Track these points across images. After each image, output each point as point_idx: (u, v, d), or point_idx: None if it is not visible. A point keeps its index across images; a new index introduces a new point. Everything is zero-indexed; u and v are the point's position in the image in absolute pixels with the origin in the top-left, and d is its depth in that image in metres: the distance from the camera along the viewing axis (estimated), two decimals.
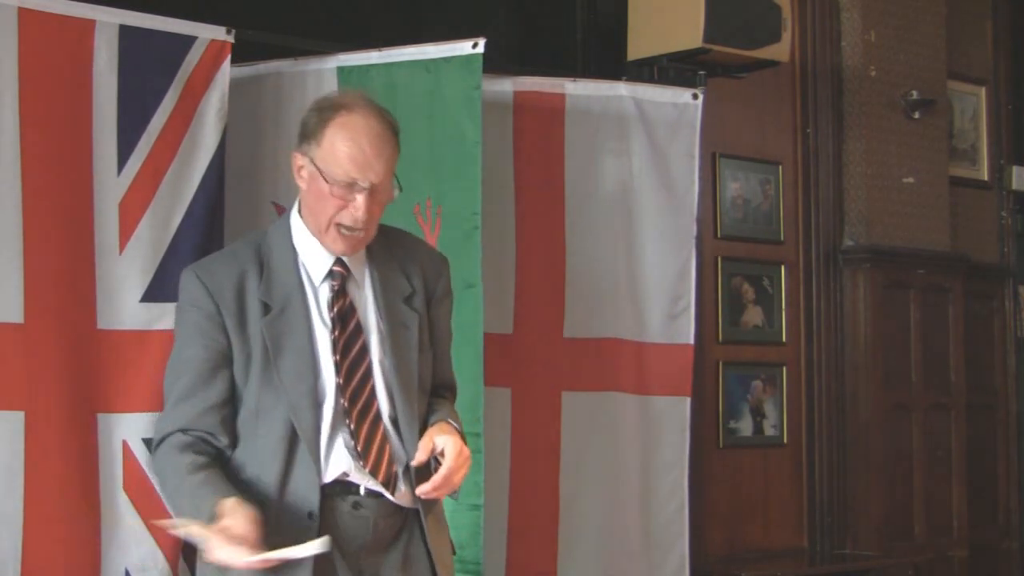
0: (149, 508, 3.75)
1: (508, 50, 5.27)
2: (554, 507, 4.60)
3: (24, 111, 3.64)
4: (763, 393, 6.00)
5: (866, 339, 6.12)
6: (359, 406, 2.92)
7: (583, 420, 4.66)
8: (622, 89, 4.76)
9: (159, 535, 3.77)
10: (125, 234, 3.78)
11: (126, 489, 3.74)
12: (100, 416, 3.72)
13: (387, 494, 2.92)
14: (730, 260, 5.92)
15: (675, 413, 4.78)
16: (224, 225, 3.98)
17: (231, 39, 3.97)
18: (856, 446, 6.11)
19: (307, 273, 3.00)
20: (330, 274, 3.00)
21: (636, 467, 4.71)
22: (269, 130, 4.26)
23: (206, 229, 3.90)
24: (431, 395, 3.11)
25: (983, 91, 6.99)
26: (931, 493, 6.29)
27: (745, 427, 5.95)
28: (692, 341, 4.80)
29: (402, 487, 2.96)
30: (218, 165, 3.93)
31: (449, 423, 3.02)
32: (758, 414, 5.98)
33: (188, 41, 3.91)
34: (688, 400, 4.80)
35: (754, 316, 6.00)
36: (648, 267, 4.78)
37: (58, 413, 3.64)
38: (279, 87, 4.27)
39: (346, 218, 2.92)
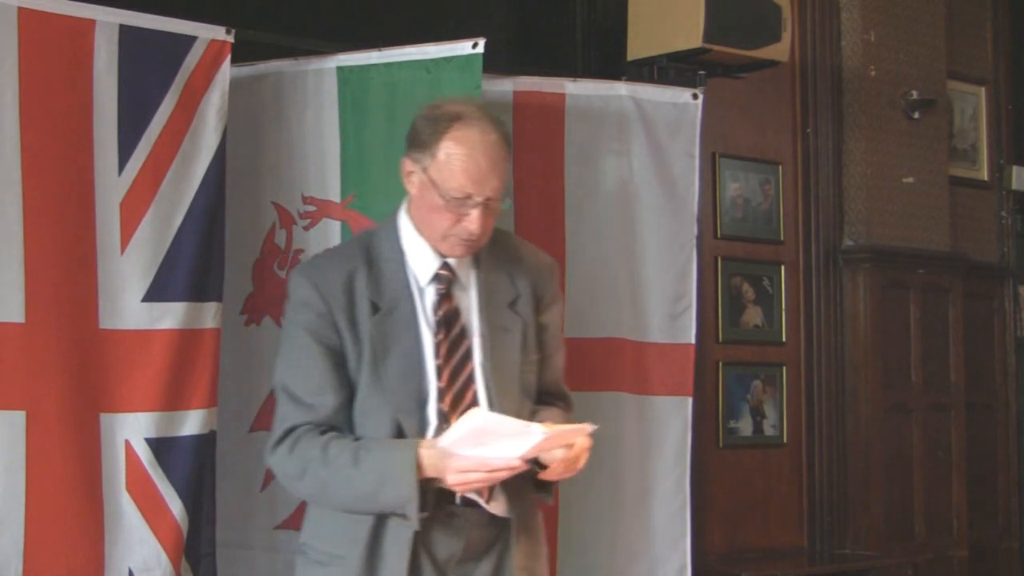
0: (151, 508, 3.75)
1: (508, 50, 5.27)
2: (554, 508, 4.60)
3: (24, 111, 3.63)
4: (763, 393, 6.00)
5: (866, 339, 6.12)
6: (459, 410, 2.90)
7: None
8: (622, 89, 4.76)
9: (162, 535, 3.77)
10: (126, 234, 3.78)
11: (128, 489, 3.74)
12: (102, 416, 3.72)
13: (481, 502, 2.91)
14: (730, 260, 5.92)
15: (676, 413, 4.77)
16: (225, 225, 3.98)
17: (231, 39, 3.97)
18: (856, 446, 6.12)
19: (414, 276, 2.99)
20: (436, 277, 2.99)
21: (637, 467, 4.70)
22: (269, 130, 4.25)
23: (207, 229, 3.90)
24: (539, 403, 3.10)
25: (983, 91, 6.99)
26: (931, 493, 6.29)
27: (745, 427, 5.95)
28: (693, 341, 4.80)
29: (499, 496, 2.94)
30: (219, 165, 3.93)
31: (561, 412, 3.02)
32: (758, 414, 5.98)
33: (188, 41, 3.90)
34: (690, 400, 4.79)
35: (754, 316, 6.00)
36: (648, 267, 4.77)
37: (60, 413, 3.64)
38: (279, 87, 4.27)
39: (461, 232, 2.90)
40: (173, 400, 3.79)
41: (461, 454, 2.73)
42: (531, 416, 3.00)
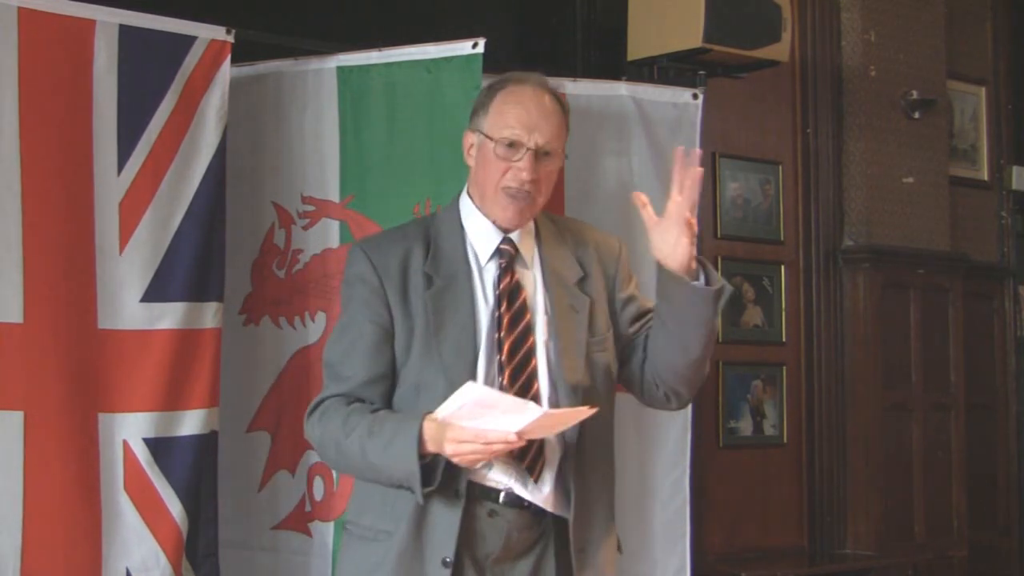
0: (150, 508, 3.76)
1: (508, 50, 5.27)
2: None
3: (24, 111, 3.64)
4: (763, 393, 6.00)
5: (866, 339, 6.12)
6: (517, 386, 2.90)
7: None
8: (622, 89, 4.76)
9: (161, 535, 3.77)
10: (125, 234, 3.78)
11: (127, 489, 3.74)
12: (101, 416, 3.72)
13: (525, 493, 2.88)
14: (730, 260, 5.91)
15: (676, 413, 4.75)
16: (225, 225, 3.98)
17: (231, 39, 3.97)
18: (856, 446, 6.11)
19: (474, 252, 3.01)
20: (498, 252, 3.01)
21: (636, 467, 4.70)
22: (269, 130, 4.26)
23: (206, 229, 3.90)
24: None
25: (983, 91, 6.99)
26: (931, 493, 6.28)
27: (745, 427, 5.95)
28: None
29: (547, 484, 2.92)
30: (218, 165, 3.93)
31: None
32: (758, 414, 5.98)
33: (188, 41, 3.90)
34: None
35: (754, 316, 6.00)
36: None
37: (58, 413, 3.64)
38: (279, 87, 4.27)
39: (511, 180, 2.94)
40: (172, 400, 3.80)
41: (459, 425, 2.73)
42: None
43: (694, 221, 2.91)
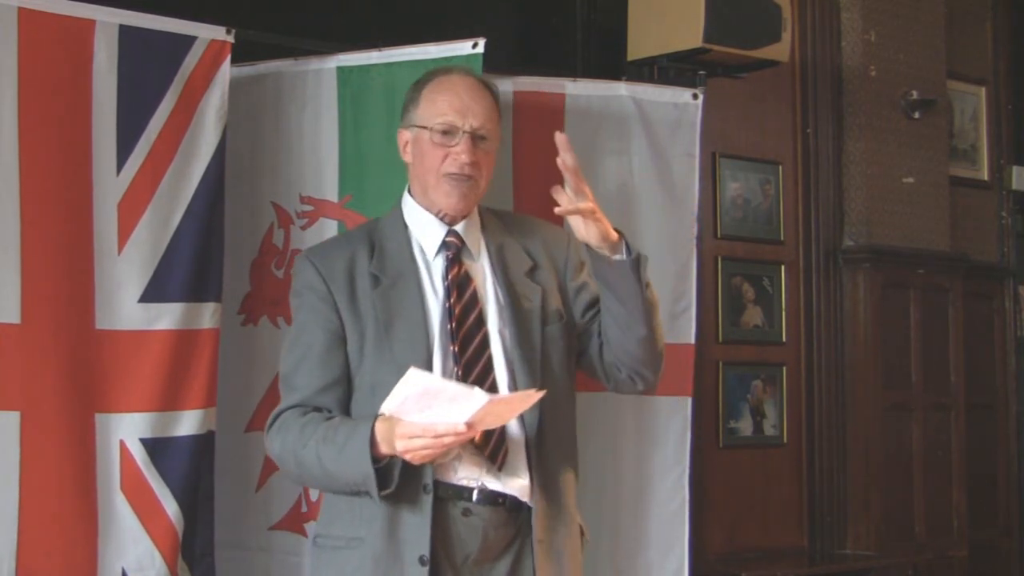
0: (146, 508, 3.75)
1: (508, 50, 5.26)
2: None
3: (23, 111, 3.64)
4: (763, 393, 6.00)
5: (866, 339, 6.12)
6: (474, 376, 2.91)
7: (582, 420, 4.63)
8: (622, 89, 4.76)
9: (157, 535, 3.77)
10: (124, 234, 3.78)
11: (123, 489, 3.74)
12: (98, 416, 3.71)
13: (497, 485, 2.87)
14: (730, 260, 5.92)
15: (676, 413, 4.76)
16: (224, 225, 3.98)
17: (231, 39, 3.97)
18: (856, 446, 6.12)
19: (421, 248, 3.03)
20: (444, 245, 3.02)
21: (636, 467, 4.70)
22: (269, 130, 4.25)
23: (206, 230, 3.89)
24: None
25: (983, 91, 6.99)
26: (931, 493, 6.29)
27: (745, 427, 5.95)
28: (693, 341, 4.80)
29: (518, 474, 2.92)
30: (218, 165, 3.93)
31: None
32: (758, 414, 5.98)
33: (188, 41, 3.90)
34: (689, 400, 4.78)
35: (754, 316, 6.00)
36: (649, 267, 4.76)
37: (55, 413, 3.64)
38: (279, 87, 4.27)
39: (451, 166, 2.97)
40: (169, 400, 3.79)
41: (407, 420, 2.72)
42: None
43: (589, 202, 2.92)
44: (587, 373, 3.24)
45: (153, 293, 3.80)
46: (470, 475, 2.90)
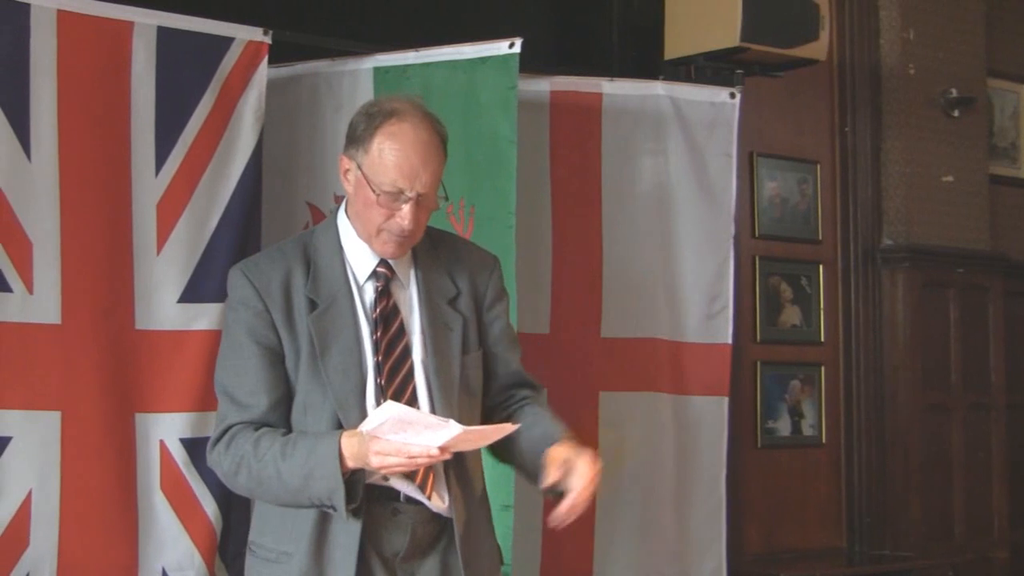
0: (185, 508, 3.77)
1: (544, 50, 5.26)
2: (590, 507, 4.58)
3: (63, 113, 3.66)
4: (801, 393, 5.98)
5: (905, 339, 6.09)
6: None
7: (620, 420, 4.65)
8: (659, 88, 4.75)
9: (196, 535, 3.79)
10: (163, 235, 3.80)
11: (163, 489, 3.76)
12: (137, 416, 3.74)
13: (422, 498, 2.92)
14: (767, 260, 5.90)
15: (713, 413, 4.76)
16: (261, 226, 3.99)
17: (268, 40, 3.98)
18: (895, 446, 6.08)
19: (352, 272, 3.00)
20: (374, 274, 3.00)
21: (673, 467, 4.70)
22: (305, 131, 4.27)
23: (243, 230, 3.91)
24: (508, 399, 3.11)
25: (1023, 89, 6.94)
26: (971, 493, 6.25)
27: (783, 427, 5.93)
28: (730, 341, 4.79)
29: (442, 493, 2.94)
30: (255, 166, 3.95)
31: (567, 441, 2.97)
32: (796, 414, 5.96)
33: (225, 42, 3.92)
34: (726, 400, 4.78)
35: (792, 316, 5.98)
36: (685, 267, 4.77)
37: (95, 413, 3.66)
38: (316, 88, 4.28)
39: (393, 227, 2.92)
40: (208, 400, 3.78)
41: (383, 438, 2.74)
42: (513, 416, 3.03)
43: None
44: None
45: (192, 293, 3.82)
46: (398, 484, 2.92)
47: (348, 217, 3.04)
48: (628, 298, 4.68)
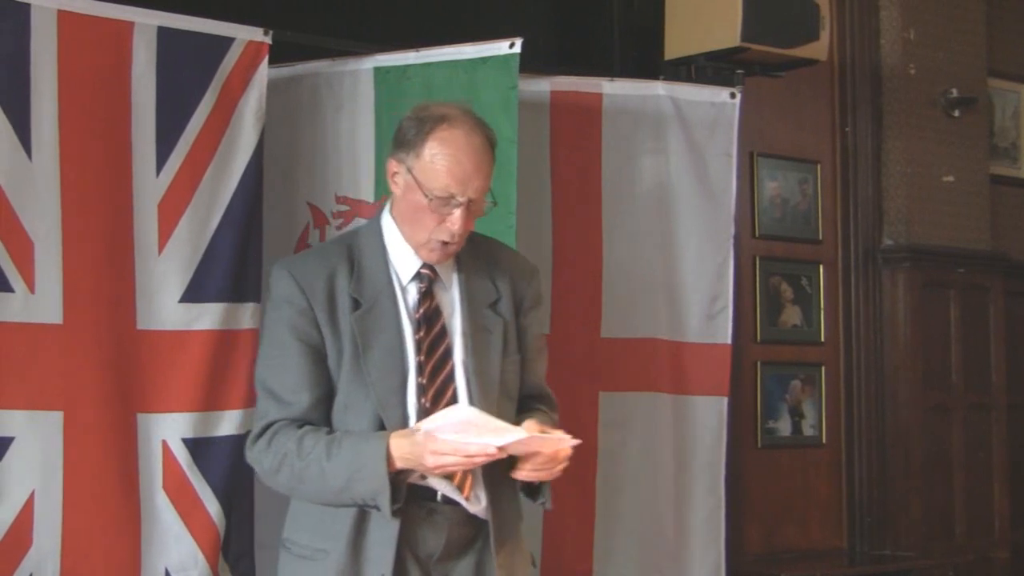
0: (188, 508, 3.77)
1: (545, 50, 5.26)
2: (591, 507, 4.60)
3: (63, 113, 3.65)
4: (801, 393, 5.98)
5: (905, 339, 6.09)
6: (440, 407, 2.92)
7: (620, 420, 4.65)
8: (659, 88, 4.76)
9: (198, 535, 3.79)
10: (164, 235, 3.79)
11: (165, 489, 3.76)
12: (139, 416, 3.74)
13: (461, 500, 2.92)
14: (768, 260, 5.90)
15: (713, 413, 4.76)
16: (262, 226, 3.99)
17: (268, 40, 3.98)
18: (896, 446, 6.08)
19: (396, 273, 3.02)
20: (417, 276, 3.02)
21: (673, 467, 4.70)
22: (306, 131, 4.27)
23: (244, 230, 3.91)
24: (522, 406, 3.11)
25: (1023, 89, 6.94)
26: (972, 494, 6.25)
27: (783, 427, 5.93)
28: (730, 341, 4.79)
29: (479, 494, 2.96)
30: (256, 166, 3.94)
31: (546, 415, 3.05)
32: (796, 414, 5.96)
33: (226, 42, 3.91)
34: (726, 400, 4.78)
35: (792, 316, 5.98)
36: (686, 267, 4.77)
37: (97, 413, 3.66)
38: (316, 88, 4.28)
39: (443, 233, 2.94)
40: (210, 400, 3.81)
41: (440, 437, 2.75)
42: (516, 422, 3.01)
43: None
44: None
45: (193, 293, 3.82)
46: (436, 483, 2.94)
47: (393, 218, 3.05)
48: (628, 298, 4.68)
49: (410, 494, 2.90)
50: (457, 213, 2.92)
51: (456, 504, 2.94)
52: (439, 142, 2.93)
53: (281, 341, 2.98)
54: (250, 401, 3.86)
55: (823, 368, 6.05)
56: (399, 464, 2.82)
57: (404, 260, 3.03)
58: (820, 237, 6.08)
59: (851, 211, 6.15)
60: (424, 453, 2.77)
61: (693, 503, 4.74)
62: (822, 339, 6.06)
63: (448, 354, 2.99)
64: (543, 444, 2.86)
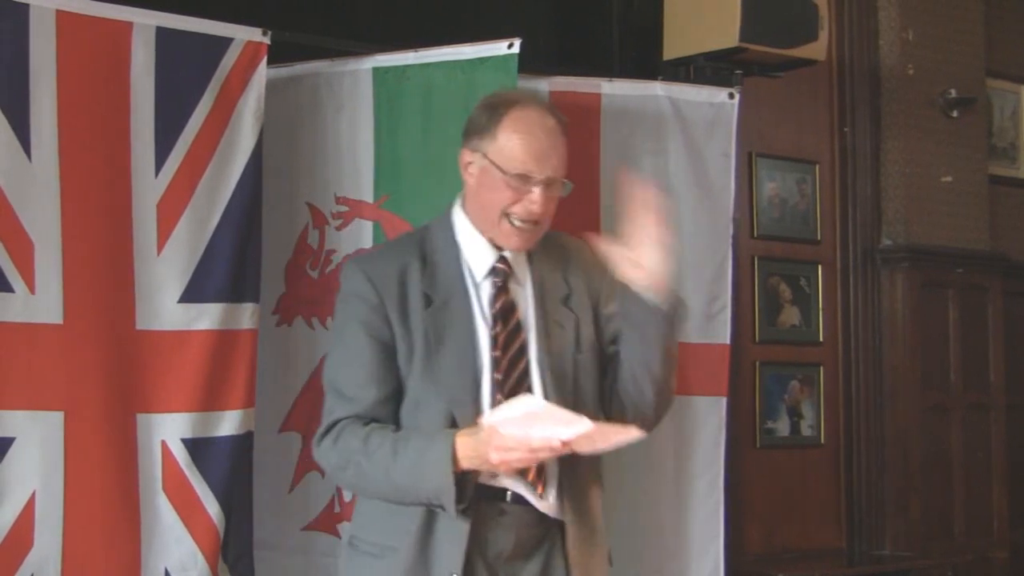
0: (188, 508, 3.77)
1: (544, 50, 5.26)
2: None
3: (62, 113, 3.65)
4: (800, 393, 5.98)
5: (904, 339, 6.09)
6: None
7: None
8: (658, 89, 4.76)
9: (198, 535, 3.79)
10: (163, 235, 3.80)
11: (165, 489, 3.76)
12: (139, 416, 3.73)
13: (532, 499, 2.91)
14: (767, 260, 5.90)
15: (711, 413, 4.76)
16: (261, 226, 3.99)
17: (267, 40, 3.98)
18: (894, 446, 6.09)
19: (469, 269, 3.02)
20: (492, 271, 3.01)
21: (672, 467, 4.70)
22: (305, 131, 4.27)
23: (243, 230, 3.91)
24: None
25: (1023, 89, 6.95)
26: (970, 493, 6.25)
27: (782, 427, 5.93)
28: (729, 341, 4.79)
29: (551, 493, 2.94)
30: (255, 166, 3.94)
31: None
32: (795, 414, 5.96)
33: (224, 43, 3.91)
34: (724, 400, 4.78)
35: (791, 316, 5.98)
36: (684, 267, 4.76)
37: (97, 413, 3.66)
38: (315, 88, 4.28)
39: (519, 210, 2.94)
40: (210, 401, 3.81)
41: (504, 433, 2.74)
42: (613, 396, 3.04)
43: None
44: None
45: (192, 294, 3.82)
46: (507, 483, 2.92)
47: (466, 213, 3.05)
48: None
49: (479, 494, 2.89)
50: (537, 191, 2.93)
51: (526, 504, 2.92)
52: (513, 122, 2.96)
53: (350, 336, 2.98)
54: (248, 402, 3.88)
55: (822, 368, 6.06)
56: (464, 464, 2.79)
57: (478, 255, 3.02)
58: (819, 237, 6.08)
59: (850, 211, 6.15)
60: (488, 450, 2.75)
61: (692, 503, 4.74)
62: (821, 339, 6.07)
63: (524, 349, 2.97)
64: (609, 434, 2.83)
